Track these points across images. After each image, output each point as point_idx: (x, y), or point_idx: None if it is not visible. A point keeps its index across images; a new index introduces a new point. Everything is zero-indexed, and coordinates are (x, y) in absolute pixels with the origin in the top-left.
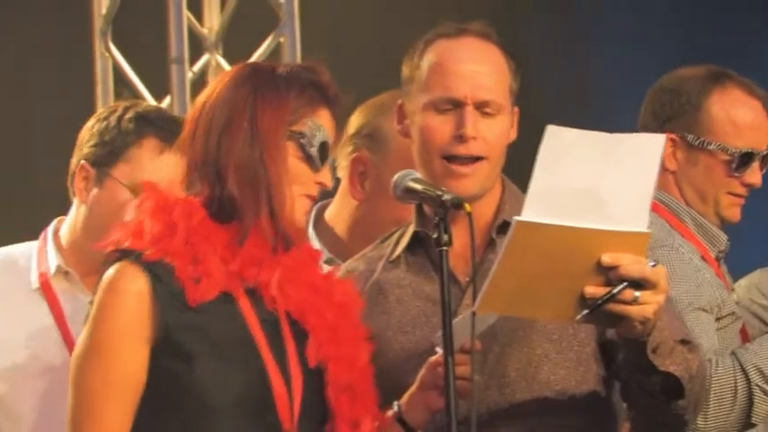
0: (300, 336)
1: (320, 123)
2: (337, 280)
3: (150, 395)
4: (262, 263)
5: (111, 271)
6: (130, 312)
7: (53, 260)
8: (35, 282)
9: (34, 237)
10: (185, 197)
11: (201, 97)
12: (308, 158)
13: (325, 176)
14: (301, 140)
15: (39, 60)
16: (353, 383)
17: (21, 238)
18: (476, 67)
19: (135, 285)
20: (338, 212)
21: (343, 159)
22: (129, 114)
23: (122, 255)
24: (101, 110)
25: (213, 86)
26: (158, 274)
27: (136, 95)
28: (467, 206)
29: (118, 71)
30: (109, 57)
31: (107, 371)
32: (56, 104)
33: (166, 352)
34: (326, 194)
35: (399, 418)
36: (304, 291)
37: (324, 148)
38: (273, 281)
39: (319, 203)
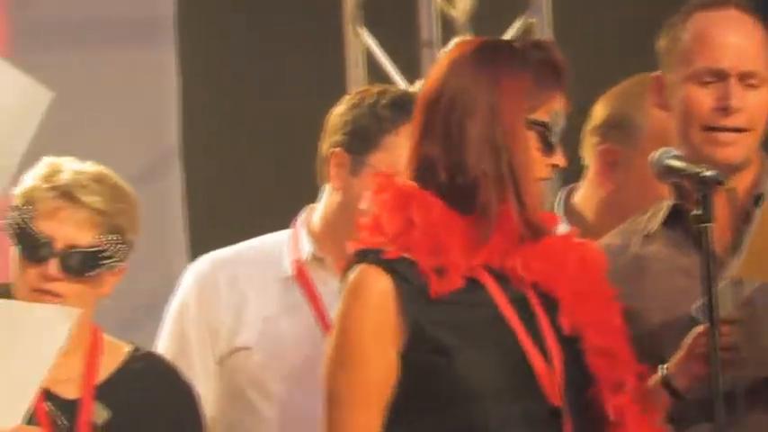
0: (551, 307)
1: (558, 111)
2: (577, 242)
3: (407, 392)
4: (507, 253)
5: (352, 275)
6: (376, 316)
7: (306, 247)
8: (288, 269)
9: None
10: (419, 189)
11: (433, 80)
12: (546, 147)
13: (558, 158)
14: (541, 130)
15: (291, 47)
16: (610, 346)
17: (285, 225)
18: (739, 38)
19: (378, 288)
20: (586, 200)
21: (589, 150)
22: (384, 101)
23: (362, 256)
24: (349, 96)
25: (444, 68)
26: (401, 272)
27: (387, 80)
28: (727, 183)
29: (369, 56)
30: (360, 41)
31: (356, 377)
32: (308, 90)
33: (420, 348)
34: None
35: (665, 382)
36: (547, 260)
37: (561, 135)
38: (518, 261)
39: (568, 187)
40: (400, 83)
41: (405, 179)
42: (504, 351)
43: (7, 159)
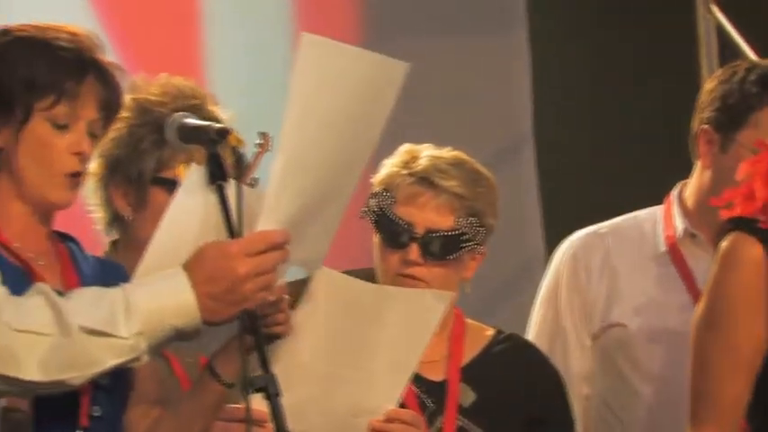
0: None
1: None
2: None
3: None
4: None
5: (726, 243)
6: (748, 284)
7: (679, 223)
8: (662, 245)
9: (654, 201)
10: None
11: None
12: None
13: None
14: None
15: (642, 28)
16: None
17: (641, 205)
18: None
19: (750, 256)
20: None
21: None
22: (752, 77)
23: (736, 224)
24: (720, 71)
25: None
26: None
27: (740, 56)
28: None
29: (721, 32)
30: (711, 18)
31: (728, 344)
32: (661, 69)
33: None
34: None
35: None
36: None
37: None
38: None
39: None
40: (753, 59)
41: None
42: None
43: (367, 137)
